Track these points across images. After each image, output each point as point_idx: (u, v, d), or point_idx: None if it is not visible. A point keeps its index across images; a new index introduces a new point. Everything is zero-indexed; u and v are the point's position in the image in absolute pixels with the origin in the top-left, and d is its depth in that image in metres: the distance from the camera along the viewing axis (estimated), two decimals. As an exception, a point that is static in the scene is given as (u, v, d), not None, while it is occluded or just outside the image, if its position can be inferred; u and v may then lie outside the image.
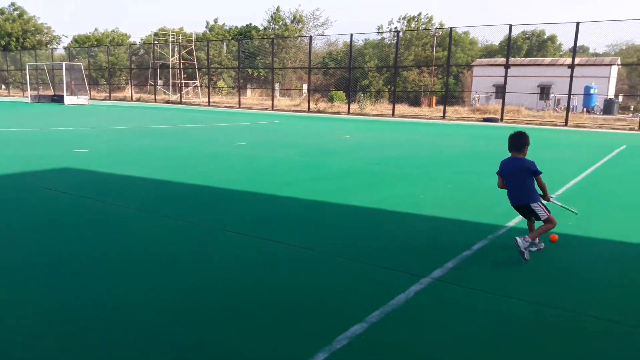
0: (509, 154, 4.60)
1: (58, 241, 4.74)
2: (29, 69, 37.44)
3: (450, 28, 27.79)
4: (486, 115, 26.98)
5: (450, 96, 38.66)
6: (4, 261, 4.20)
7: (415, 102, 39.16)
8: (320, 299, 3.57)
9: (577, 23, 21.67)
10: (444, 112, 27.42)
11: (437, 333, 3.10)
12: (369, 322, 3.18)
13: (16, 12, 56.24)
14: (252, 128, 18.48)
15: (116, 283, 3.75)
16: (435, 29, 49.87)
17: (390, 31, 50.25)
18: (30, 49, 52.07)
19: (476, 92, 39.84)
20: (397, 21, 53.59)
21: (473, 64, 46.53)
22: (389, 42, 48.79)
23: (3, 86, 50.05)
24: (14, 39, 54.34)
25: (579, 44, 22.74)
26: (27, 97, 36.43)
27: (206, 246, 4.70)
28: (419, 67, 47.21)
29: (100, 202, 6.34)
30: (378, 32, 49.90)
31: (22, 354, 2.81)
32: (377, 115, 28.65)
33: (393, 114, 28.14)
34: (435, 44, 48.68)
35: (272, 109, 32.04)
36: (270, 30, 55.35)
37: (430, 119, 26.83)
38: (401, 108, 32.06)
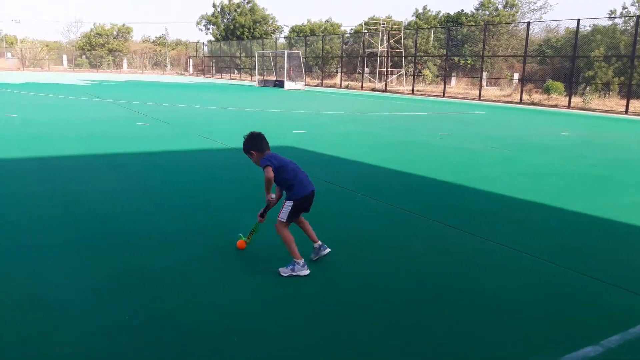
0: None
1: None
2: (257, 57, 42.28)
3: None
4: None
5: None
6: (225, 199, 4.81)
7: (656, 97, 33.27)
8: (547, 311, 3.25)
9: None
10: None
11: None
12: (604, 346, 2.78)
13: (249, 5, 63.77)
14: (458, 118, 17.91)
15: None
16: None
17: (627, 16, 43.45)
18: (258, 38, 58.72)
19: None
20: (632, 4, 46.03)
21: None
22: (621, 29, 42.23)
23: (236, 71, 57.57)
24: (246, 30, 61.87)
25: None
26: (255, 81, 41.29)
27: (403, 234, 4.69)
28: (663, 56, 39.91)
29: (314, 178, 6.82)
30: (610, 17, 43.61)
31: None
32: (605, 111, 25.17)
33: (626, 111, 24.40)
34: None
35: (479, 99, 30.60)
36: (480, 17, 52.71)
37: (677, 119, 22.55)
38: (638, 104, 27.60)
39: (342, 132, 12.52)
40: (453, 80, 45.76)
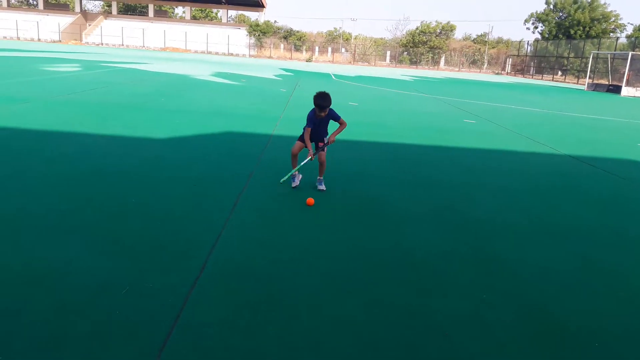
0: None
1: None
2: (591, 57, 37.96)
3: None
4: None
5: None
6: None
7: None
8: None
9: None
10: None
11: None
12: None
13: (588, 1, 57.33)
14: None
15: None
16: None
17: None
18: (593, 37, 52.52)
19: None
20: None
21: None
22: None
23: (560, 72, 53.02)
24: (580, 28, 56.02)
25: None
26: (582, 84, 37.28)
27: None
28: None
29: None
30: None
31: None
32: None
33: None
34: None
35: None
36: None
37: None
38: None
39: None
40: None
